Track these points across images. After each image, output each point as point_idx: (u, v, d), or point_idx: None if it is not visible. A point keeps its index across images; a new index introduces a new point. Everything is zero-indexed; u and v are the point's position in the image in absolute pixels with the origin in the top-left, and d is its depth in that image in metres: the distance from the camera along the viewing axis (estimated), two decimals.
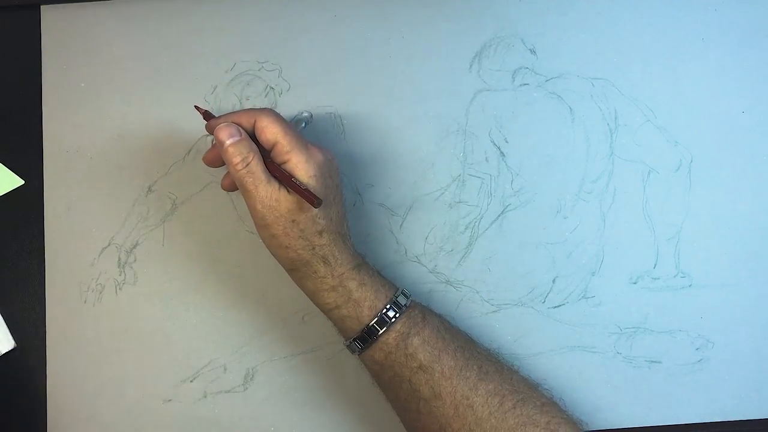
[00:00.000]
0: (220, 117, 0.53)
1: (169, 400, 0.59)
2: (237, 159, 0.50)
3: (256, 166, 0.50)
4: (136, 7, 0.61)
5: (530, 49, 0.61)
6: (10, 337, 0.59)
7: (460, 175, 0.60)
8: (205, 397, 0.59)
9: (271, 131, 0.50)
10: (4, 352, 0.59)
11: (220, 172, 0.60)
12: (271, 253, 0.52)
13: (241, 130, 0.51)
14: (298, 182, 0.50)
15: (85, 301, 0.59)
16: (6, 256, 0.60)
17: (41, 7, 0.61)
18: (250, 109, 0.54)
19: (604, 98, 0.60)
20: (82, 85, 0.61)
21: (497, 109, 0.60)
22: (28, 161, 0.60)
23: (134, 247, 0.60)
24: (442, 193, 0.60)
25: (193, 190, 0.60)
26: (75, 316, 0.59)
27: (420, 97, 0.60)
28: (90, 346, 0.59)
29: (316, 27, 0.61)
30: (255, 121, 0.51)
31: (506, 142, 0.60)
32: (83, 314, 0.59)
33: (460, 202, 0.60)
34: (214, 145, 0.54)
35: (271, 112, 0.52)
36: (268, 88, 0.60)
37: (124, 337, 0.59)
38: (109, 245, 0.60)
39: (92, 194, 0.60)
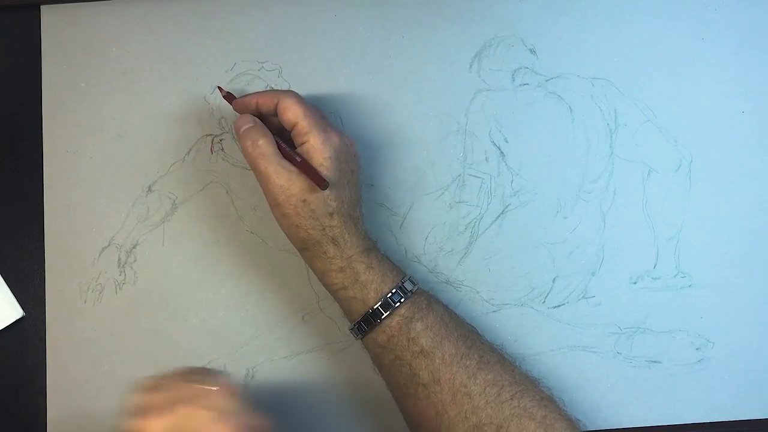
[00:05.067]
0: (245, 96, 0.56)
1: None
2: (248, 142, 0.53)
3: (267, 148, 0.52)
4: (136, 7, 0.61)
5: (530, 49, 0.61)
6: (18, 305, 0.59)
7: (460, 175, 0.60)
8: None
9: (292, 112, 0.53)
10: (12, 320, 0.59)
11: (220, 172, 0.60)
12: (284, 233, 0.54)
13: (256, 119, 0.54)
14: (306, 164, 0.51)
15: (85, 301, 0.59)
16: (6, 256, 0.60)
17: (41, 7, 0.61)
18: (273, 90, 0.58)
19: (604, 98, 0.60)
20: (82, 85, 0.61)
21: (497, 109, 0.60)
22: (28, 161, 0.60)
23: (134, 247, 0.60)
24: (442, 193, 0.60)
25: (193, 190, 0.60)
26: (75, 316, 0.59)
27: (420, 97, 0.60)
28: (90, 346, 0.59)
29: (316, 27, 0.61)
30: (278, 102, 0.53)
31: (506, 142, 0.60)
32: (83, 314, 0.59)
33: (460, 202, 0.60)
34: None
35: (294, 94, 0.54)
36: (268, 88, 0.60)
37: (124, 337, 0.59)
38: (109, 245, 0.60)
39: (92, 194, 0.60)
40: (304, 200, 0.51)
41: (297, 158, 0.52)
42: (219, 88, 0.59)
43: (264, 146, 0.52)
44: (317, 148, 0.52)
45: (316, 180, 0.51)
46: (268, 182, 0.52)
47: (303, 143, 0.53)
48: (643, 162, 0.60)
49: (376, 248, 0.54)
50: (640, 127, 0.60)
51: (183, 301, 0.59)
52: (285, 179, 0.51)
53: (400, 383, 0.52)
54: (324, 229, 0.52)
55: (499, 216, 0.60)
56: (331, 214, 0.52)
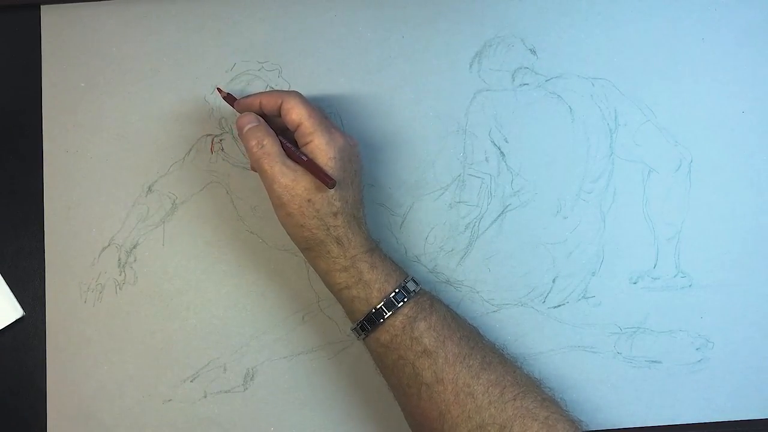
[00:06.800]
0: (248, 97, 0.56)
1: (169, 400, 0.59)
2: (253, 142, 0.53)
3: (272, 148, 0.52)
4: (136, 7, 0.61)
5: (530, 49, 0.61)
6: (18, 305, 0.59)
7: (460, 175, 0.60)
8: (205, 397, 0.59)
9: (296, 113, 0.53)
10: (12, 320, 0.59)
11: (220, 172, 0.60)
12: (287, 233, 0.54)
13: (260, 118, 0.54)
14: (313, 163, 0.52)
15: (85, 301, 0.59)
16: (6, 256, 0.60)
17: (41, 7, 0.61)
18: (277, 90, 0.57)
19: (604, 98, 0.60)
20: (82, 85, 0.61)
21: (497, 109, 0.60)
22: (28, 161, 0.60)
23: (134, 247, 0.60)
24: (442, 193, 0.60)
25: (193, 190, 0.60)
26: (75, 316, 0.59)
27: (420, 97, 0.60)
28: (90, 346, 0.59)
29: (316, 27, 0.61)
30: (282, 103, 0.53)
31: (506, 142, 0.60)
32: (83, 314, 0.59)
33: (460, 202, 0.60)
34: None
35: (297, 94, 0.54)
36: (268, 88, 0.60)
37: (124, 337, 0.59)
38: (109, 245, 0.60)
39: (92, 194, 0.60)
40: (309, 200, 0.52)
41: (303, 157, 0.52)
42: (218, 89, 0.59)
43: (269, 145, 0.52)
44: (322, 148, 0.52)
45: (323, 179, 0.51)
46: (274, 182, 0.52)
47: (307, 143, 0.53)
48: (643, 162, 0.60)
49: (379, 249, 0.55)
50: (640, 127, 0.60)
51: (183, 301, 0.59)
52: (290, 179, 0.52)
53: (402, 383, 0.52)
54: (328, 228, 0.52)
55: (499, 216, 0.60)
56: (335, 214, 0.52)
